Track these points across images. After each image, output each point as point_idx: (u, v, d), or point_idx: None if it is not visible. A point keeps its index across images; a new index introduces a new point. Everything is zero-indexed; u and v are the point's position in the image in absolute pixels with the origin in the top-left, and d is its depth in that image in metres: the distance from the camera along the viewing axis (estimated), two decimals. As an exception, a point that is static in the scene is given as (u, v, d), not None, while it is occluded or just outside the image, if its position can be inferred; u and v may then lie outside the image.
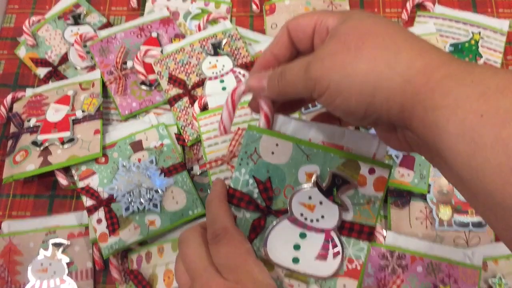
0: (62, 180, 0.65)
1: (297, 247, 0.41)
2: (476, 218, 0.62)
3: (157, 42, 0.75)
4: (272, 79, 0.37)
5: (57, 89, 0.71)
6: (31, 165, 0.64)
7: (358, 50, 0.30)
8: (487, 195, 0.25)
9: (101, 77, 0.72)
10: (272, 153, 0.41)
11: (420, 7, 0.80)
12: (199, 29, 0.76)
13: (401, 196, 0.63)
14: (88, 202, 0.63)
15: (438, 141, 0.27)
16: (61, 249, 0.62)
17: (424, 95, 0.28)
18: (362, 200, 0.41)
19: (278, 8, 0.78)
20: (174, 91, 0.69)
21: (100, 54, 0.73)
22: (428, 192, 0.63)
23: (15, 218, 0.67)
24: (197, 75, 0.70)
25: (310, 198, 0.41)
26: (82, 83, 0.72)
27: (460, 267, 0.55)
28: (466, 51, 0.74)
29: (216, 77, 0.70)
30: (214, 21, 0.77)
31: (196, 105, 0.66)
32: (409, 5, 0.78)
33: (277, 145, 0.40)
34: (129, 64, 0.73)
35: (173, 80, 0.70)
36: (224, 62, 0.71)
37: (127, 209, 0.62)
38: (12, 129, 0.69)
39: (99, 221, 0.62)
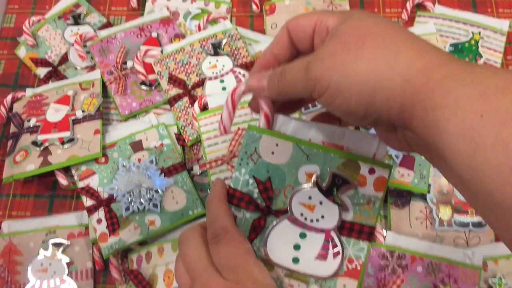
0: (62, 180, 0.65)
1: (297, 247, 0.41)
2: (476, 218, 0.62)
3: (157, 42, 0.75)
4: (272, 79, 0.37)
5: (57, 89, 0.71)
6: (31, 165, 0.64)
7: (358, 50, 0.30)
8: (487, 195, 0.25)
9: (101, 77, 0.72)
10: (272, 153, 0.41)
11: (420, 7, 0.80)
12: (199, 29, 0.76)
13: (401, 196, 0.63)
14: (88, 202, 0.63)
15: (438, 141, 0.27)
16: (61, 249, 0.62)
17: (424, 95, 0.28)
18: (362, 200, 0.41)
19: (278, 8, 0.78)
20: (174, 91, 0.69)
21: (100, 54, 0.73)
22: (428, 192, 0.63)
23: (15, 218, 0.67)
24: (197, 75, 0.70)
25: (310, 198, 0.41)
26: (82, 83, 0.72)
27: (460, 267, 0.55)
28: (466, 51, 0.74)
29: (216, 77, 0.70)
30: (214, 21, 0.77)
31: (196, 105, 0.66)
32: (409, 5, 0.78)
33: (277, 145, 0.40)
34: (129, 64, 0.73)
35: (173, 80, 0.70)
36: (224, 62, 0.71)
37: (127, 209, 0.62)
38: (12, 129, 0.69)
39: (99, 221, 0.62)
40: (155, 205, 0.62)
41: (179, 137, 0.68)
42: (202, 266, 0.37)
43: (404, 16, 0.78)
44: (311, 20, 0.36)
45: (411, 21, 0.78)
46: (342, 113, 0.33)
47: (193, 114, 0.66)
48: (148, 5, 0.80)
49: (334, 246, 0.41)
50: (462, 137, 0.25)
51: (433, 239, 0.62)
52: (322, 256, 0.41)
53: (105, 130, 0.68)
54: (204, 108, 0.67)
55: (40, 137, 0.65)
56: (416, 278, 0.54)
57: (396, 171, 0.62)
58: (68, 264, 0.62)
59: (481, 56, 0.73)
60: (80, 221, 0.65)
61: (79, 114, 0.67)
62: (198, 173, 0.67)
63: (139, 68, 0.71)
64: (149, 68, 0.72)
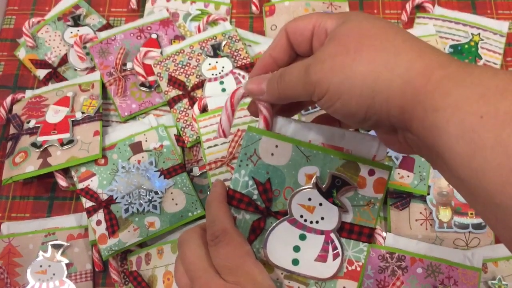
0: (62, 182, 0.65)
1: (296, 248, 0.41)
2: (476, 220, 0.62)
3: (156, 43, 0.75)
4: (271, 83, 0.37)
5: (56, 90, 0.71)
6: (30, 167, 0.64)
7: (357, 52, 0.30)
8: (487, 196, 0.25)
9: (101, 78, 0.72)
10: (272, 154, 0.41)
11: (419, 8, 0.80)
12: (199, 31, 0.76)
13: (401, 198, 0.63)
14: (87, 203, 0.63)
15: (438, 142, 0.27)
16: (60, 251, 0.62)
17: (424, 96, 0.28)
18: (362, 202, 0.41)
19: (278, 10, 0.78)
20: (174, 92, 0.69)
21: (99, 55, 0.73)
22: (428, 193, 0.63)
23: (15, 219, 0.67)
24: (196, 76, 0.70)
25: (309, 199, 0.41)
26: (82, 84, 0.72)
27: (460, 268, 0.55)
28: (465, 53, 0.74)
29: (215, 79, 0.70)
30: (214, 22, 0.77)
31: (195, 106, 0.66)
32: (408, 7, 0.78)
33: (276, 146, 0.40)
34: (129, 65, 0.73)
35: (173, 81, 0.70)
36: (224, 64, 0.71)
37: (126, 210, 0.62)
38: (12, 130, 0.69)
39: (98, 222, 0.62)
40: (154, 207, 0.62)
41: (178, 138, 0.68)
42: (201, 267, 0.37)
43: (404, 17, 0.78)
44: (309, 23, 0.36)
45: (410, 22, 0.79)
46: (342, 115, 0.33)
47: (192, 116, 0.66)
48: (148, 6, 0.80)
49: (334, 247, 0.41)
50: (462, 138, 0.25)
51: (433, 241, 0.62)
52: (322, 257, 0.41)
53: (105, 132, 0.68)
54: (203, 109, 0.67)
55: (40, 139, 0.65)
56: (416, 279, 0.54)
57: (396, 173, 0.62)
58: (67, 265, 0.62)
59: (480, 58, 0.74)
60: (79, 222, 0.65)
61: (78, 115, 0.67)
62: (197, 175, 0.67)
63: (139, 69, 0.71)
64: (148, 70, 0.72)
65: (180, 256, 0.39)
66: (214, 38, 0.72)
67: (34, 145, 0.65)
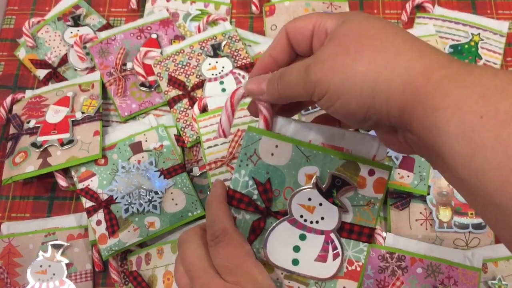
0: (62, 182, 0.65)
1: (296, 248, 0.41)
2: (476, 220, 0.62)
3: (156, 43, 0.75)
4: (271, 83, 0.37)
5: (56, 90, 0.71)
6: (30, 167, 0.64)
7: (357, 52, 0.30)
8: (486, 196, 0.25)
9: (101, 78, 0.72)
10: (272, 154, 0.41)
11: (419, 8, 0.80)
12: (199, 31, 0.76)
13: (401, 198, 0.63)
14: (87, 203, 0.63)
15: (438, 142, 0.27)
16: (60, 251, 0.62)
17: (424, 96, 0.28)
18: (362, 202, 0.41)
19: (278, 9, 0.78)
20: (174, 92, 0.69)
21: (99, 55, 0.73)
22: (428, 193, 0.63)
23: (15, 219, 0.67)
24: (196, 76, 0.70)
25: (309, 199, 0.41)
26: (82, 84, 0.72)
27: (460, 268, 0.55)
28: (465, 53, 0.74)
29: (215, 79, 0.70)
30: (214, 22, 0.77)
31: (195, 106, 0.66)
32: (408, 7, 0.78)
33: (276, 146, 0.40)
34: (129, 65, 0.73)
35: (173, 81, 0.70)
36: (224, 64, 0.71)
37: (126, 210, 0.62)
38: (12, 130, 0.69)
39: (98, 222, 0.62)
40: (154, 207, 0.62)
41: (178, 138, 0.68)
42: (201, 267, 0.37)
43: (404, 17, 0.78)
44: (309, 23, 0.36)
45: (410, 22, 0.79)
46: (342, 115, 0.33)
47: (192, 116, 0.66)
48: (148, 6, 0.80)
49: (334, 247, 0.41)
50: (462, 138, 0.25)
51: (433, 241, 0.62)
52: (322, 257, 0.41)
53: (105, 132, 0.68)
54: (203, 109, 0.67)
55: (40, 139, 0.65)
56: (416, 279, 0.54)
57: (395, 173, 0.62)
58: (67, 265, 0.62)
59: (480, 58, 0.74)
60: (79, 222, 0.65)
61: (78, 115, 0.67)
62: (197, 175, 0.67)
63: (139, 69, 0.71)
64: (148, 70, 0.72)
65: (180, 256, 0.39)
66: (214, 38, 0.72)
67: (34, 145, 0.65)
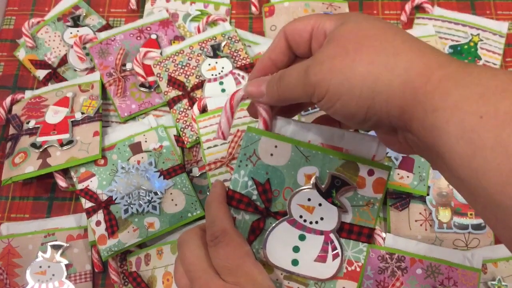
0: (61, 182, 0.65)
1: (296, 249, 0.41)
2: (476, 220, 0.62)
3: (156, 44, 0.75)
4: (270, 85, 0.37)
5: (56, 91, 0.71)
6: (30, 167, 0.64)
7: (356, 53, 0.30)
8: (486, 196, 0.25)
9: (101, 79, 0.72)
10: (271, 155, 0.41)
11: (419, 9, 0.80)
12: (199, 31, 0.76)
13: (401, 198, 0.63)
14: (87, 204, 0.63)
15: (438, 143, 0.27)
16: (60, 251, 0.62)
17: (424, 97, 0.28)
18: (361, 202, 0.41)
19: (277, 10, 0.78)
20: (174, 93, 0.69)
21: (99, 56, 0.73)
22: (428, 194, 0.63)
23: (14, 220, 0.67)
24: (196, 77, 0.70)
25: (309, 200, 0.41)
26: (82, 85, 0.72)
27: (459, 269, 0.55)
28: (465, 53, 0.74)
29: (215, 79, 0.70)
30: (214, 23, 0.77)
31: (195, 107, 0.66)
32: (408, 7, 0.78)
33: (276, 147, 0.40)
34: (129, 66, 0.73)
35: (173, 82, 0.70)
36: (224, 64, 0.71)
37: (126, 211, 0.62)
38: (11, 131, 0.69)
39: (98, 223, 0.62)
40: (154, 207, 0.62)
41: (178, 139, 0.68)
42: (201, 268, 0.37)
43: (403, 18, 0.78)
44: (308, 24, 0.36)
45: (410, 23, 0.79)
46: (342, 116, 0.33)
47: (192, 116, 0.66)
48: (148, 7, 0.80)
49: (334, 248, 0.41)
50: (461, 138, 0.25)
51: (432, 241, 0.62)
52: (322, 258, 0.41)
53: (104, 132, 0.68)
54: (203, 110, 0.67)
55: (39, 139, 0.65)
56: (416, 280, 0.54)
57: (395, 173, 0.62)
58: (67, 266, 0.62)
59: (480, 58, 0.74)
60: (79, 223, 0.65)
61: (78, 116, 0.67)
62: (197, 175, 0.66)
63: (139, 70, 0.71)
64: (148, 70, 0.72)
65: (179, 256, 0.39)
66: (214, 38, 0.72)
67: (33, 145, 0.65)
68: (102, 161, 0.65)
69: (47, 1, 0.83)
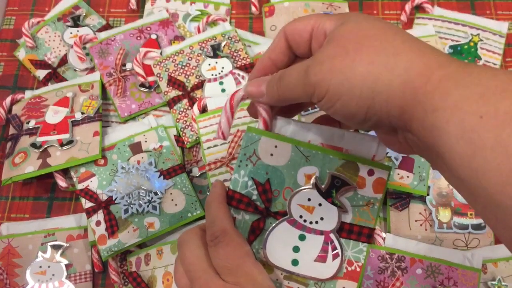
0: (61, 182, 0.65)
1: (296, 249, 0.41)
2: (476, 220, 0.62)
3: (156, 44, 0.75)
4: (270, 85, 0.37)
5: (56, 91, 0.71)
6: (30, 167, 0.64)
7: (356, 53, 0.30)
8: (486, 196, 0.25)
9: (101, 79, 0.72)
10: (271, 154, 0.41)
11: (419, 9, 0.80)
12: (199, 31, 0.76)
13: (401, 198, 0.63)
14: (87, 204, 0.63)
15: (438, 143, 0.27)
16: (60, 251, 0.62)
17: (424, 97, 0.28)
18: (361, 202, 0.41)
19: (277, 10, 0.78)
20: (174, 93, 0.69)
21: (99, 56, 0.73)
22: (428, 194, 0.63)
23: (14, 220, 0.67)
24: (196, 77, 0.70)
25: (309, 200, 0.41)
26: (82, 85, 0.72)
27: (459, 269, 0.55)
28: (465, 53, 0.74)
29: (215, 79, 0.70)
30: (214, 23, 0.77)
31: (195, 107, 0.66)
32: (408, 7, 0.78)
33: (276, 147, 0.40)
34: (129, 66, 0.73)
35: (173, 82, 0.70)
36: (224, 64, 0.71)
37: (126, 211, 0.62)
38: (11, 131, 0.69)
39: (98, 223, 0.62)
40: (154, 207, 0.62)
41: (178, 139, 0.68)
42: (201, 268, 0.37)
43: (403, 18, 0.78)
44: (308, 25, 0.36)
45: (410, 23, 0.79)
46: (342, 116, 0.33)
47: (192, 116, 0.66)
48: (148, 7, 0.80)
49: (334, 248, 0.41)
50: (461, 138, 0.25)
51: (432, 241, 0.62)
52: (322, 258, 0.41)
53: (104, 132, 0.68)
54: (203, 110, 0.67)
55: (39, 139, 0.65)
56: (416, 280, 0.54)
57: (395, 173, 0.62)
58: (67, 266, 0.62)
59: (480, 58, 0.74)
60: (79, 223, 0.65)
61: (78, 116, 0.67)
62: (197, 175, 0.66)
63: (139, 70, 0.71)
64: (148, 70, 0.72)
65: (179, 256, 0.39)
66: (214, 38, 0.72)
67: (33, 145, 0.65)
68: (102, 161, 0.65)
69: (47, 1, 0.83)
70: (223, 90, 0.69)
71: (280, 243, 0.41)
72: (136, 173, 0.64)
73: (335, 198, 0.40)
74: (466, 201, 0.29)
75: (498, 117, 0.24)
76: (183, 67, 0.71)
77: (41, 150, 0.65)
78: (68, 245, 0.63)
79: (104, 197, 0.63)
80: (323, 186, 0.40)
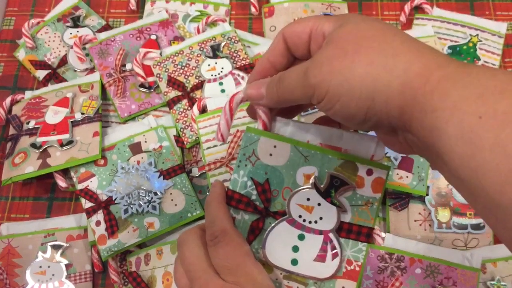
0: (61, 182, 0.65)
1: (295, 248, 0.41)
2: (475, 220, 0.62)
3: (156, 44, 0.75)
4: (270, 87, 0.37)
5: (56, 91, 0.71)
6: (30, 167, 0.64)
7: (355, 54, 0.30)
8: (486, 196, 0.25)
9: (100, 79, 0.72)
10: (270, 155, 0.41)
11: (418, 9, 0.80)
12: (198, 32, 0.76)
13: (400, 198, 0.63)
14: (87, 204, 0.63)
15: (437, 143, 0.27)
16: (60, 252, 0.62)
17: (423, 97, 0.28)
18: (360, 201, 0.41)
19: (277, 11, 0.78)
20: (173, 93, 0.70)
21: (99, 56, 0.73)
22: (427, 194, 0.63)
23: (14, 220, 0.67)
24: (196, 77, 0.70)
25: (308, 199, 0.41)
26: (81, 85, 0.72)
27: (459, 269, 0.55)
28: (464, 54, 0.74)
29: (215, 80, 0.70)
30: (213, 23, 0.77)
31: (195, 107, 0.66)
32: (407, 8, 0.78)
33: (275, 147, 0.40)
34: (128, 66, 0.73)
35: (172, 82, 0.70)
36: (223, 65, 0.71)
37: (126, 211, 0.62)
38: (11, 131, 0.69)
39: (98, 223, 0.62)
40: (154, 207, 0.62)
41: (178, 139, 0.68)
42: (201, 267, 0.37)
43: (402, 18, 0.78)
44: (306, 26, 0.36)
45: (409, 23, 0.79)
46: (342, 117, 0.33)
47: (192, 116, 0.66)
48: (147, 7, 0.80)
49: (333, 247, 0.41)
50: (461, 138, 0.25)
51: (431, 241, 0.62)
52: (321, 257, 0.41)
53: (104, 132, 0.68)
54: (203, 110, 0.67)
55: (39, 139, 0.65)
56: (415, 280, 0.54)
57: (394, 173, 0.62)
58: (67, 266, 0.62)
59: (479, 59, 0.74)
60: (79, 223, 0.65)
61: (78, 116, 0.68)
62: (197, 175, 0.67)
63: (138, 70, 0.71)
64: (148, 71, 0.72)
65: (179, 256, 0.39)
66: (214, 39, 0.73)
67: (33, 145, 0.65)
68: (102, 161, 0.65)
69: (47, 1, 0.83)
70: (222, 91, 0.69)
71: (279, 242, 0.41)
72: (136, 173, 0.64)
73: (334, 198, 0.41)
74: (466, 201, 0.29)
75: (497, 117, 0.24)
76: (182, 67, 0.71)
77: (41, 150, 0.65)
78: (68, 245, 0.63)
79: (104, 197, 0.63)
80: (322, 186, 0.40)
